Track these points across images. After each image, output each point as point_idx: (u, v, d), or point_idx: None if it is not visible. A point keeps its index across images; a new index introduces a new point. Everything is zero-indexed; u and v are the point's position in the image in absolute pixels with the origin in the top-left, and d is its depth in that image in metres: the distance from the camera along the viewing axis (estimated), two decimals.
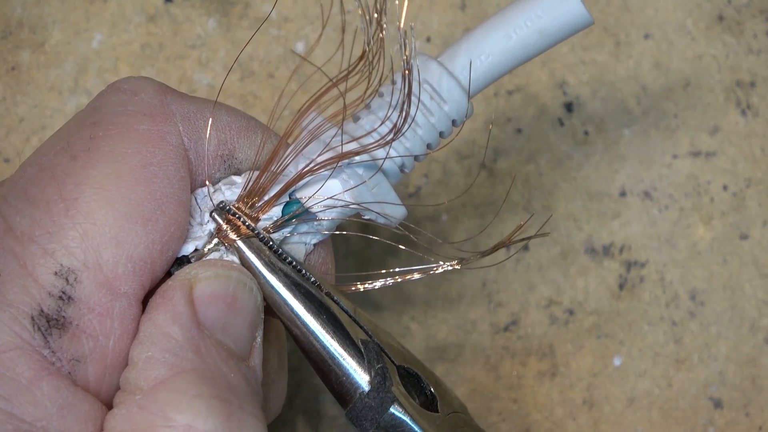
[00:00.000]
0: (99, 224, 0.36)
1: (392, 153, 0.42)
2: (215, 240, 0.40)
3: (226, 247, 0.40)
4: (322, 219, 0.42)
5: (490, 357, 0.56)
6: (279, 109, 0.44)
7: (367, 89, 0.42)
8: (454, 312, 0.56)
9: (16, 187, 0.38)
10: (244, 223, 0.40)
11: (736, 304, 0.57)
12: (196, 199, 0.41)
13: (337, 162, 0.41)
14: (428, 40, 0.58)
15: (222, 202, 0.41)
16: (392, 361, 0.41)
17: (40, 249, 0.36)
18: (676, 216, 0.57)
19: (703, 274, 0.57)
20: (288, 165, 0.41)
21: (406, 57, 0.40)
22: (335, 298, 0.41)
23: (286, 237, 0.42)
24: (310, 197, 0.42)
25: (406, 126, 0.41)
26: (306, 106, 0.42)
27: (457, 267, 0.44)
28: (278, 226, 0.41)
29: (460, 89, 0.43)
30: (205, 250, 0.40)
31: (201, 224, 0.40)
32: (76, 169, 0.37)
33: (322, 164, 0.41)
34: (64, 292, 0.36)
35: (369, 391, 0.40)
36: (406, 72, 0.40)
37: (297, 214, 0.42)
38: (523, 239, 0.44)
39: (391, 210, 0.43)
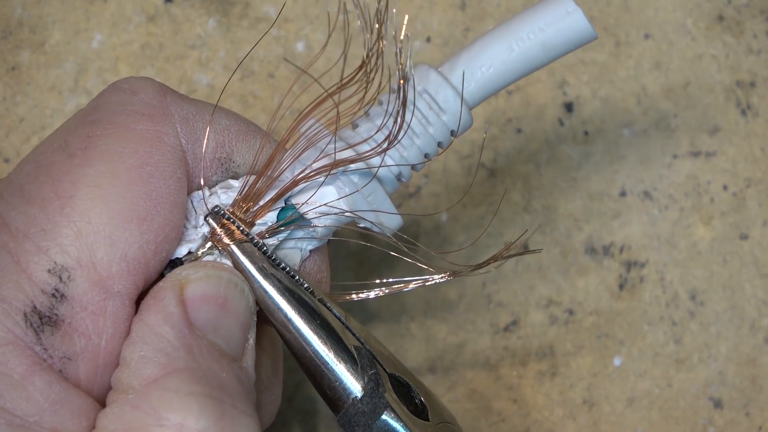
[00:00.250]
0: (94, 223, 0.36)
1: (389, 161, 0.42)
2: (209, 244, 0.40)
3: (219, 251, 0.40)
4: (317, 225, 0.42)
5: (490, 357, 0.56)
6: (279, 111, 0.44)
7: (363, 96, 0.42)
8: (454, 312, 0.56)
9: (13, 183, 0.38)
10: (238, 227, 0.40)
11: (736, 304, 0.56)
12: (192, 201, 0.41)
13: (330, 169, 0.41)
14: (428, 40, 0.58)
15: (217, 206, 0.40)
16: (384, 369, 0.41)
17: (34, 246, 0.36)
18: (676, 216, 0.57)
19: (703, 274, 0.57)
20: (284, 170, 0.41)
21: (402, 66, 0.40)
22: (328, 304, 0.41)
23: (281, 242, 0.42)
24: (304, 203, 0.41)
25: (401, 134, 0.41)
26: (303, 115, 0.42)
27: (449, 278, 0.43)
28: (273, 231, 0.41)
29: (459, 100, 0.42)
30: (199, 253, 0.40)
31: (196, 227, 0.40)
32: (72, 167, 0.37)
33: (317, 171, 0.41)
34: (57, 290, 0.36)
35: (362, 396, 0.39)
36: (401, 81, 0.40)
37: (292, 219, 0.41)
38: (515, 254, 0.43)
39: (387, 219, 0.43)
